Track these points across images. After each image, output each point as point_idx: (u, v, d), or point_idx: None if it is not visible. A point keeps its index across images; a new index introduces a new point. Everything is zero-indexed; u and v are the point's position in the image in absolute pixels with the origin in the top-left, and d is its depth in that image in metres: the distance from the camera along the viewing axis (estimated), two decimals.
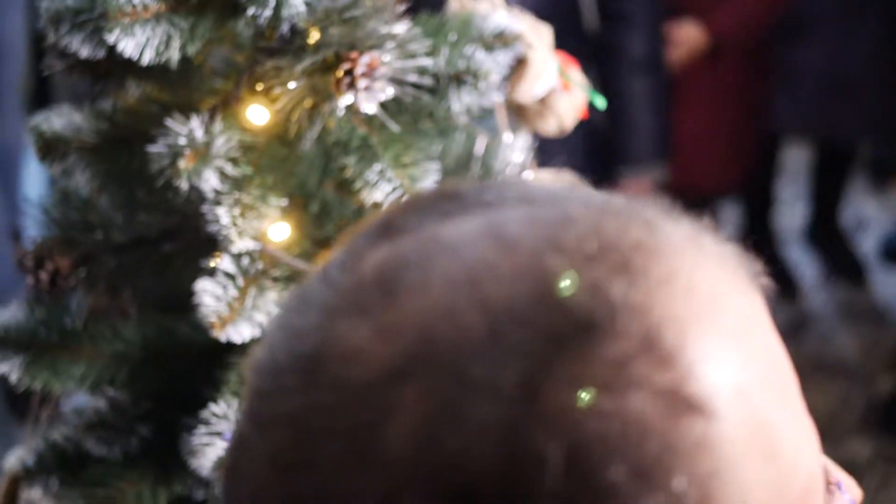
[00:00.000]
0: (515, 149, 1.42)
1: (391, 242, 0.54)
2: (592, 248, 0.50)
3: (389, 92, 1.19)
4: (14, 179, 3.52)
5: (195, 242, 1.35)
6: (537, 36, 1.36)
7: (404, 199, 1.16)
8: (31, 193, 3.04)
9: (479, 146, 1.41)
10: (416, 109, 1.27)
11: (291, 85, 1.18)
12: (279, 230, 1.26)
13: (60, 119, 1.34)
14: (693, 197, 3.76)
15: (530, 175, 1.46)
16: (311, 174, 1.36)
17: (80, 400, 1.50)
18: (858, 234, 4.49)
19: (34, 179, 3.26)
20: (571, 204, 0.54)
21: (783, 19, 3.71)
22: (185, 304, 1.29)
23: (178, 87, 1.33)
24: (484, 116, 1.49)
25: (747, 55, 3.69)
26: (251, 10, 1.17)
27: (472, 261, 0.51)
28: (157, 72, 1.32)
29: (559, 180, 1.52)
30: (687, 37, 3.47)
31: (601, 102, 1.43)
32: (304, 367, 0.52)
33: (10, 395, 2.99)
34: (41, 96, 3.39)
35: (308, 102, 1.20)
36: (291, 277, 1.27)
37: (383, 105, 1.22)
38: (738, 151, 3.74)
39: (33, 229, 1.41)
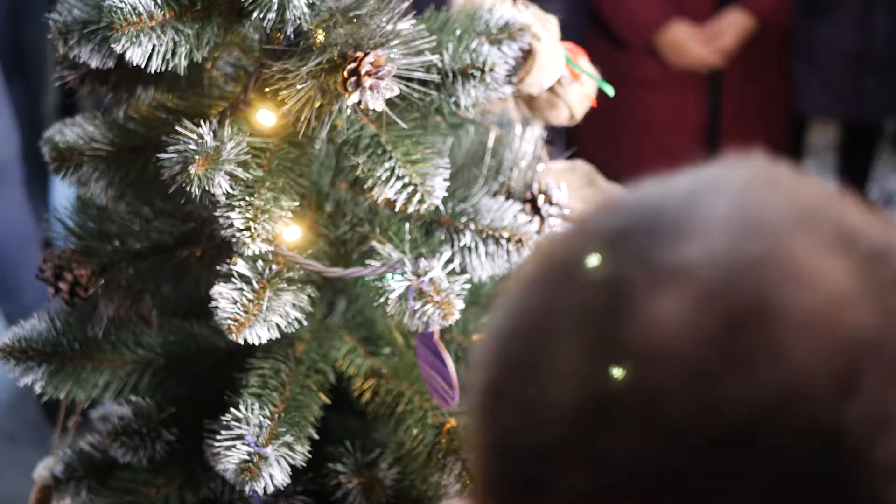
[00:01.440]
0: (527, 140, 1.42)
1: None
2: None
3: (395, 89, 1.19)
4: (48, 191, 3.56)
5: (211, 247, 1.36)
6: (544, 27, 1.35)
7: None
8: (61, 205, 3.07)
9: (491, 139, 1.41)
10: (424, 106, 1.27)
11: (299, 86, 1.19)
12: (292, 232, 1.26)
13: (74, 130, 1.35)
14: None
15: (542, 166, 1.46)
16: (324, 174, 1.37)
17: (107, 408, 1.51)
18: (886, 209, 4.46)
19: (65, 191, 3.29)
20: None
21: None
22: (204, 308, 1.30)
23: (189, 93, 1.34)
24: (494, 109, 1.49)
25: (778, 35, 3.68)
26: (255, 14, 1.17)
27: None
28: (168, 79, 1.33)
29: (572, 171, 1.52)
30: (734, 22, 3.47)
31: (610, 90, 1.43)
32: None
33: (45, 405, 3.02)
34: (69, 108, 3.43)
35: (316, 103, 1.21)
36: (307, 278, 1.28)
37: (391, 102, 1.22)
38: (771, 131, 3.73)
39: (60, 241, 1.43)
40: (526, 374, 0.53)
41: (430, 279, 1.26)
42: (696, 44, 3.48)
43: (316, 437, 1.32)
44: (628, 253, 0.52)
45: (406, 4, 1.26)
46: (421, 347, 1.31)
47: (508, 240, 1.31)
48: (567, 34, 1.44)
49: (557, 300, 0.54)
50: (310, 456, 1.31)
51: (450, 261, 1.29)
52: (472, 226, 1.32)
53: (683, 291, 0.49)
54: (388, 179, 1.23)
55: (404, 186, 1.23)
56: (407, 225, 1.32)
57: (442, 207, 1.31)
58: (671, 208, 0.53)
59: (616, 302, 0.51)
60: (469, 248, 1.31)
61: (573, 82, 1.40)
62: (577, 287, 0.53)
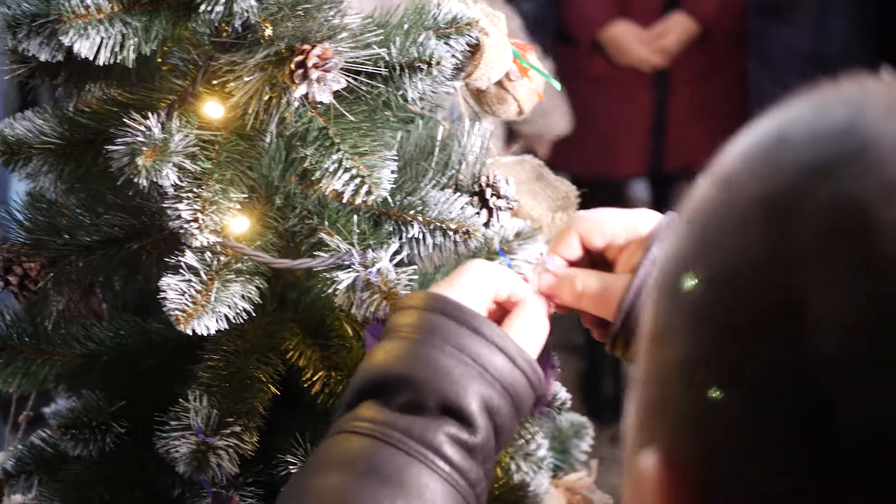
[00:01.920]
0: (476, 134, 1.43)
1: None
2: None
3: (343, 82, 1.20)
4: (3, 187, 3.54)
5: (161, 240, 1.36)
6: (492, 22, 1.37)
7: None
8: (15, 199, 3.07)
9: (440, 133, 1.43)
10: (372, 99, 1.28)
11: (246, 79, 1.20)
12: (240, 223, 1.27)
13: (23, 123, 1.36)
14: (687, 176, 3.82)
15: (491, 160, 1.47)
16: (274, 168, 1.38)
17: (60, 403, 1.52)
18: None
19: (21, 186, 3.28)
20: None
21: (762, 1, 3.76)
22: (154, 302, 1.30)
23: (138, 87, 1.34)
24: (444, 104, 1.51)
25: (731, 37, 3.74)
26: (203, 7, 1.18)
27: None
28: (117, 72, 1.33)
29: (521, 164, 1.53)
30: (677, 25, 3.55)
31: (557, 85, 1.44)
32: None
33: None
34: (27, 103, 3.41)
35: (265, 96, 1.22)
36: (255, 270, 1.29)
37: (339, 95, 1.24)
38: (723, 130, 3.77)
39: (11, 234, 1.43)
40: (781, 311, 0.55)
41: (378, 270, 1.28)
42: (638, 44, 3.57)
43: (265, 428, 1.33)
44: (857, 174, 0.54)
45: None
46: (369, 338, 1.32)
47: (455, 231, 1.33)
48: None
49: (793, 234, 0.55)
50: (259, 447, 1.32)
51: (397, 252, 1.31)
52: (420, 218, 1.33)
53: None
54: (335, 171, 1.24)
55: (352, 178, 1.24)
56: (355, 217, 1.33)
57: (390, 200, 1.32)
58: (861, 129, 0.56)
59: (857, 222, 0.53)
60: (417, 240, 1.32)
61: (521, 77, 1.42)
62: (813, 217, 0.55)
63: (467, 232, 1.33)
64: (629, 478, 0.66)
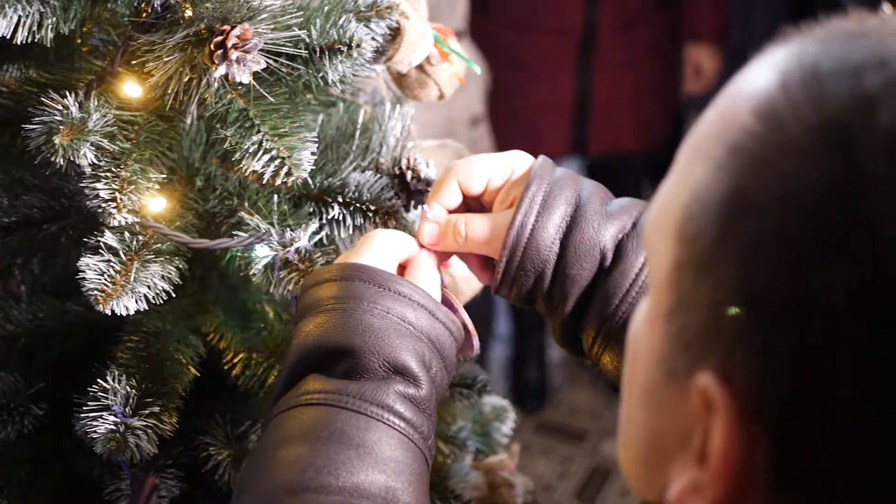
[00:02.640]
0: (397, 118, 1.44)
1: None
2: None
3: (262, 63, 1.20)
4: None
5: (80, 221, 1.36)
6: (413, 6, 1.38)
7: None
8: None
9: (361, 117, 1.44)
10: (293, 80, 1.28)
11: (166, 59, 1.20)
12: (158, 203, 1.27)
13: None
14: (614, 157, 3.87)
15: (413, 145, 1.48)
16: (195, 149, 1.38)
17: None
18: None
19: None
20: None
21: None
22: (74, 283, 1.30)
23: (57, 67, 1.34)
24: (365, 88, 1.52)
25: (660, 24, 3.79)
26: None
27: None
28: (35, 52, 1.33)
29: (442, 148, 1.55)
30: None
31: (478, 69, 1.46)
32: None
33: None
34: None
35: (184, 77, 1.22)
36: (175, 250, 1.29)
37: (259, 77, 1.24)
38: (649, 118, 3.82)
39: None
40: (850, 235, 0.59)
41: (296, 249, 1.29)
42: None
43: (185, 409, 1.33)
44: None
45: None
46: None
47: (376, 213, 1.34)
48: None
49: (853, 161, 0.60)
50: (179, 429, 1.32)
51: (317, 232, 1.32)
52: (340, 199, 1.34)
53: None
54: (255, 153, 1.24)
55: (272, 159, 1.24)
56: (276, 197, 1.34)
57: (311, 181, 1.33)
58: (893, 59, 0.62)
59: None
60: (337, 221, 1.33)
61: (442, 61, 1.43)
62: (867, 145, 0.60)
63: (387, 213, 1.34)
64: (659, 408, 0.69)
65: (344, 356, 1.10)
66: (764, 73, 0.66)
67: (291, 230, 1.29)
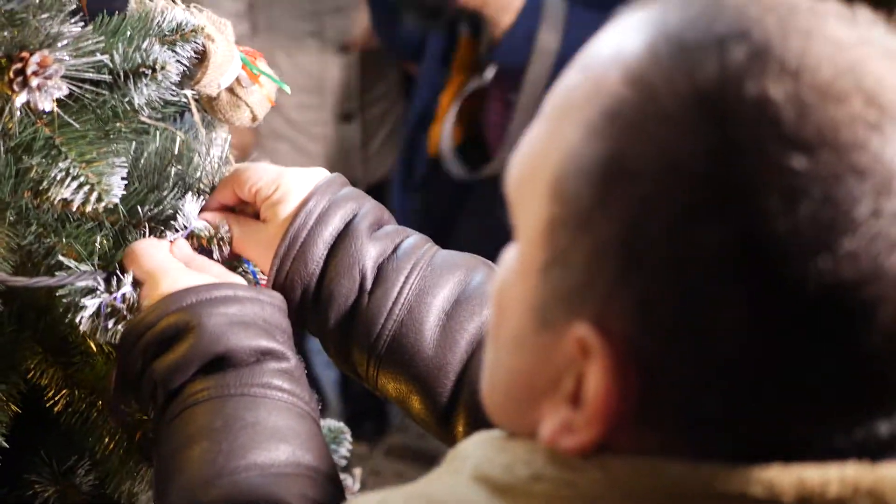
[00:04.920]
0: (214, 142, 1.44)
1: None
2: None
3: (65, 89, 1.19)
4: None
5: None
6: (218, 29, 1.38)
7: None
8: None
9: (177, 143, 1.43)
10: (98, 106, 1.27)
11: None
12: None
13: None
14: None
15: (230, 167, 1.48)
16: (3, 182, 1.35)
17: None
18: None
19: None
20: None
21: None
22: None
23: None
24: (179, 112, 1.51)
25: None
26: None
27: None
28: None
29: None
30: None
31: (288, 89, 1.47)
32: None
33: None
34: None
35: None
36: None
37: (64, 104, 1.23)
38: None
39: None
40: (727, 195, 0.65)
41: (123, 295, 1.27)
42: None
43: (6, 446, 1.30)
44: (761, 75, 0.66)
45: (75, 6, 1.27)
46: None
47: (209, 241, 1.33)
48: None
49: (725, 128, 0.66)
50: (2, 466, 1.29)
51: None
52: (165, 228, 1.33)
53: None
54: (63, 180, 1.23)
55: (80, 186, 1.23)
56: (98, 237, 1.32)
57: (140, 210, 1.32)
58: (755, 33, 0.68)
59: (776, 116, 0.66)
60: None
61: (252, 84, 1.44)
62: (737, 115, 0.66)
63: (222, 239, 1.33)
64: (530, 353, 0.74)
65: (217, 361, 1.14)
66: (630, 39, 0.70)
67: (116, 273, 1.27)
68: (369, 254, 1.23)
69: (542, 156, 0.73)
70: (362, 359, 1.24)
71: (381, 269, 1.23)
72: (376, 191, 3.99)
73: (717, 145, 0.65)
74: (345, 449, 1.78)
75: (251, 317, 1.16)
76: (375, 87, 3.81)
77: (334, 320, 1.24)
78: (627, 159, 0.67)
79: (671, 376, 0.67)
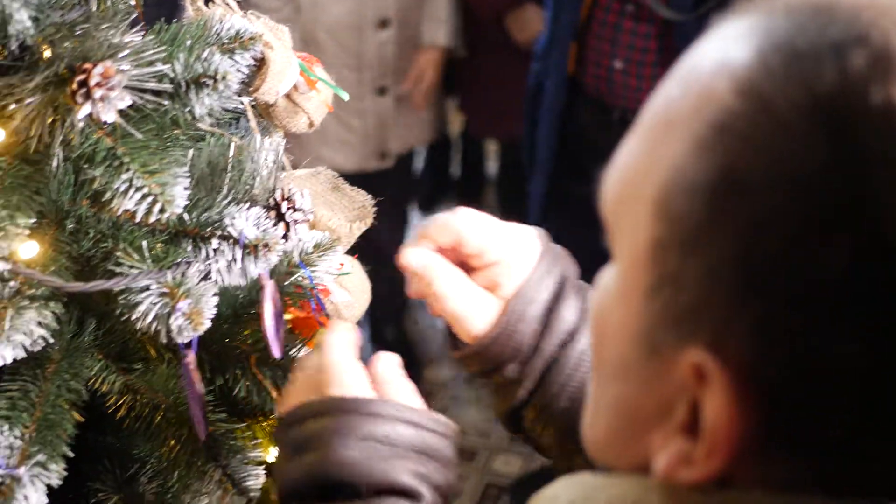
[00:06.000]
0: (268, 149, 1.44)
1: None
2: None
3: (128, 100, 1.19)
4: None
5: None
6: (276, 36, 1.38)
7: None
8: None
9: (232, 150, 1.43)
10: (160, 116, 1.27)
11: (27, 101, 1.18)
12: (30, 248, 1.25)
13: None
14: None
15: (286, 175, 1.48)
16: (63, 192, 1.36)
17: None
18: None
19: None
20: None
21: None
22: None
23: None
24: (235, 120, 1.51)
25: None
26: None
27: None
28: None
29: (315, 176, 1.55)
30: None
31: (345, 95, 1.47)
32: None
33: None
34: None
35: (48, 118, 1.20)
36: (50, 295, 1.27)
37: (125, 114, 1.23)
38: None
39: None
40: (851, 209, 0.62)
41: (179, 290, 1.27)
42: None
43: (71, 455, 1.30)
44: (888, 82, 0.63)
45: (134, 17, 1.27)
46: (184, 375, 1.33)
47: (255, 246, 1.33)
48: None
49: (848, 137, 0.63)
50: (66, 474, 1.29)
51: (198, 270, 1.31)
52: (219, 233, 1.33)
53: None
54: (126, 191, 1.23)
55: (144, 197, 1.23)
56: (146, 241, 1.32)
57: (187, 217, 1.32)
58: (873, 37, 0.64)
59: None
60: (216, 257, 1.32)
61: (310, 89, 1.44)
62: (862, 122, 0.62)
63: (266, 245, 1.33)
64: (636, 382, 0.71)
65: (336, 494, 1.08)
66: (736, 49, 0.67)
67: (171, 270, 1.28)
68: (574, 310, 1.19)
69: (642, 173, 0.70)
70: (533, 412, 1.21)
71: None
72: (407, 159, 4.07)
73: (841, 156, 0.62)
74: None
75: (401, 442, 1.09)
76: (410, 62, 3.87)
77: (532, 382, 1.20)
78: (741, 173, 0.64)
79: (796, 401, 0.64)
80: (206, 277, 1.32)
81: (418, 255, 1.22)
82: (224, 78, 1.26)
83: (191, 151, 1.40)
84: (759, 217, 0.63)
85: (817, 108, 0.63)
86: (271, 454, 1.49)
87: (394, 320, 4.35)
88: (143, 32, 1.27)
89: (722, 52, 0.68)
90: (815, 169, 0.62)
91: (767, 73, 0.65)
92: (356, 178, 1.65)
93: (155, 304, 1.27)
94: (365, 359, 1.51)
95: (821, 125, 0.62)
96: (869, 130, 0.62)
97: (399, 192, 4.09)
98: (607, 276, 0.77)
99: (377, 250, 4.15)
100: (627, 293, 0.71)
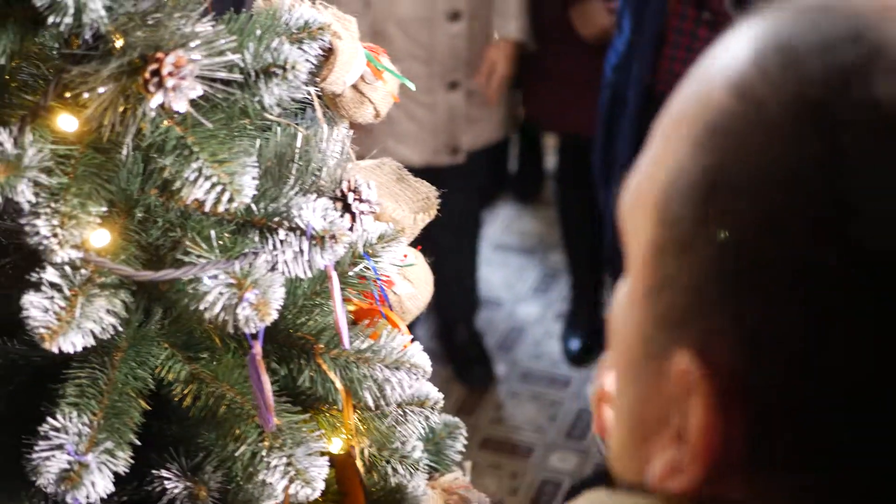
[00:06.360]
0: (334, 139, 1.44)
1: None
2: None
3: (199, 89, 1.20)
4: None
5: (20, 260, 1.34)
6: (344, 26, 1.38)
7: None
8: None
9: (299, 139, 1.43)
10: (229, 106, 1.28)
11: (100, 90, 1.18)
12: (101, 237, 1.26)
13: None
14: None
15: (352, 165, 1.48)
16: (132, 181, 1.36)
17: None
18: None
19: None
20: None
21: None
22: (16, 323, 1.28)
23: None
24: (301, 110, 1.51)
25: None
26: (52, 19, 1.17)
27: None
28: None
29: (381, 167, 1.55)
30: None
31: (411, 86, 1.46)
32: None
33: None
34: None
35: (119, 107, 1.21)
36: (119, 284, 1.27)
37: (195, 104, 1.23)
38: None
39: None
40: (833, 211, 0.59)
41: (246, 280, 1.28)
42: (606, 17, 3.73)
43: (138, 443, 1.31)
44: (874, 80, 0.60)
45: (205, 6, 1.27)
46: (250, 366, 1.33)
47: (322, 237, 1.33)
48: None
49: (831, 137, 0.60)
50: (132, 463, 1.30)
51: (265, 261, 1.31)
52: (286, 224, 1.33)
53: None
54: (195, 180, 1.23)
55: (213, 186, 1.23)
56: (214, 231, 1.32)
57: (255, 207, 1.32)
58: (867, 34, 0.62)
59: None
60: (283, 247, 1.32)
61: (376, 80, 1.43)
62: (845, 122, 0.60)
63: (333, 236, 1.33)
64: (642, 385, 0.69)
65: None
66: (738, 49, 0.66)
67: (238, 260, 1.28)
68: None
69: (650, 176, 0.68)
70: None
71: None
72: (478, 157, 3.99)
73: (825, 156, 0.59)
74: (460, 444, 1.79)
75: None
76: (480, 56, 3.83)
77: None
78: (729, 173, 0.62)
79: (783, 412, 0.61)
80: (272, 268, 1.32)
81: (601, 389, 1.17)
82: (293, 67, 1.26)
83: (258, 141, 1.41)
84: (743, 218, 0.61)
85: (804, 107, 0.61)
86: (335, 445, 1.49)
87: (464, 318, 4.34)
88: (213, 22, 1.27)
89: (726, 53, 0.67)
90: (799, 169, 0.60)
91: (763, 74, 0.63)
92: (425, 173, 1.64)
93: (222, 294, 1.27)
94: (431, 356, 1.51)
95: (805, 121, 0.61)
96: (853, 129, 0.60)
97: (470, 187, 4.06)
98: (622, 284, 0.75)
99: (447, 247, 4.14)
100: (633, 297, 0.70)
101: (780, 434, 0.62)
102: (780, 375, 0.61)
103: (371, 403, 1.45)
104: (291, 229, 1.33)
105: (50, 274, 1.22)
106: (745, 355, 0.62)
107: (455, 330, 4.28)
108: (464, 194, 3.93)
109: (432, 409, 1.63)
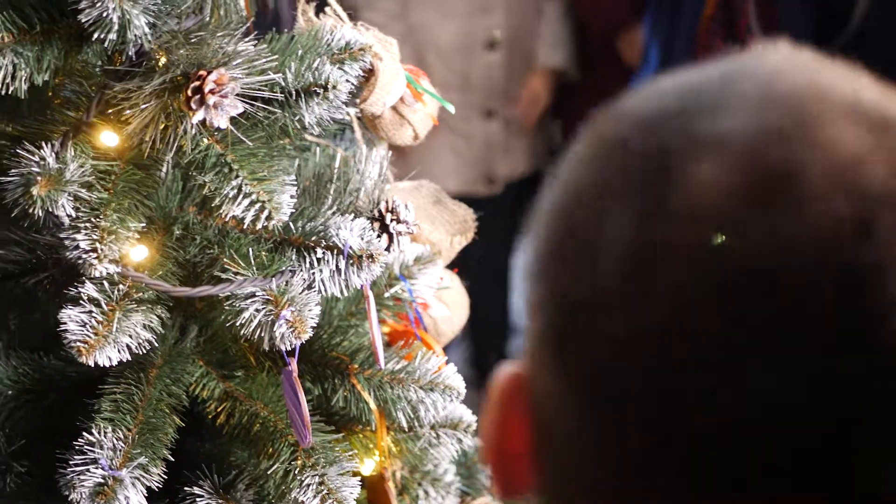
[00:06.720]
0: (373, 161, 1.45)
1: None
2: None
3: (240, 107, 1.20)
4: None
5: (58, 274, 1.35)
6: (384, 48, 1.39)
7: None
8: None
9: (337, 160, 1.44)
10: (269, 124, 1.28)
11: (142, 106, 1.19)
12: (139, 252, 1.27)
13: None
14: None
15: (390, 187, 1.48)
16: (171, 198, 1.37)
17: None
18: None
19: None
20: None
21: None
22: (55, 338, 1.29)
23: (30, 119, 1.33)
24: (340, 131, 1.52)
25: None
26: (96, 35, 1.18)
27: None
28: (8, 106, 1.32)
29: (418, 190, 1.55)
30: None
31: (451, 108, 1.46)
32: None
33: None
34: None
35: (161, 124, 1.21)
36: (156, 299, 1.28)
37: (236, 122, 1.24)
38: None
39: None
40: (581, 237, 0.58)
41: (283, 298, 1.28)
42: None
43: (171, 458, 1.31)
44: (672, 129, 0.58)
45: (247, 25, 1.28)
46: (284, 383, 1.33)
47: (359, 257, 1.33)
48: None
49: (608, 174, 0.59)
50: (165, 478, 1.30)
51: (301, 279, 1.31)
52: (323, 243, 1.33)
53: (720, 158, 0.56)
54: (235, 197, 1.24)
55: (252, 204, 1.24)
56: (252, 249, 1.33)
57: (292, 226, 1.33)
58: (708, 90, 0.60)
59: (661, 171, 0.57)
60: (320, 266, 1.32)
61: (416, 102, 1.44)
62: (625, 161, 0.59)
63: (371, 257, 1.33)
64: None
65: None
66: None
67: (274, 277, 1.28)
68: None
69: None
70: None
71: None
72: (517, 188, 3.94)
73: (585, 189, 0.61)
74: None
75: None
76: (518, 84, 3.79)
77: None
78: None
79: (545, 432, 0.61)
80: (309, 286, 1.33)
81: None
82: (334, 87, 1.27)
83: (297, 161, 1.41)
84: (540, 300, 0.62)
85: (596, 147, 0.62)
86: (367, 466, 1.49)
87: (496, 346, 4.32)
88: (255, 41, 1.27)
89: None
90: (567, 198, 0.61)
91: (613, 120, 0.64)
92: (462, 201, 1.63)
93: (259, 311, 1.28)
94: (465, 381, 1.50)
95: (589, 162, 0.62)
96: (614, 169, 0.60)
97: (508, 219, 3.97)
98: None
99: (485, 275, 4.11)
100: None
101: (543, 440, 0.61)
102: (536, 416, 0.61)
103: (405, 424, 1.44)
104: (329, 248, 1.33)
105: (88, 288, 1.23)
106: (529, 356, 0.62)
107: (487, 357, 4.27)
108: (502, 224, 3.84)
109: (465, 431, 1.62)
